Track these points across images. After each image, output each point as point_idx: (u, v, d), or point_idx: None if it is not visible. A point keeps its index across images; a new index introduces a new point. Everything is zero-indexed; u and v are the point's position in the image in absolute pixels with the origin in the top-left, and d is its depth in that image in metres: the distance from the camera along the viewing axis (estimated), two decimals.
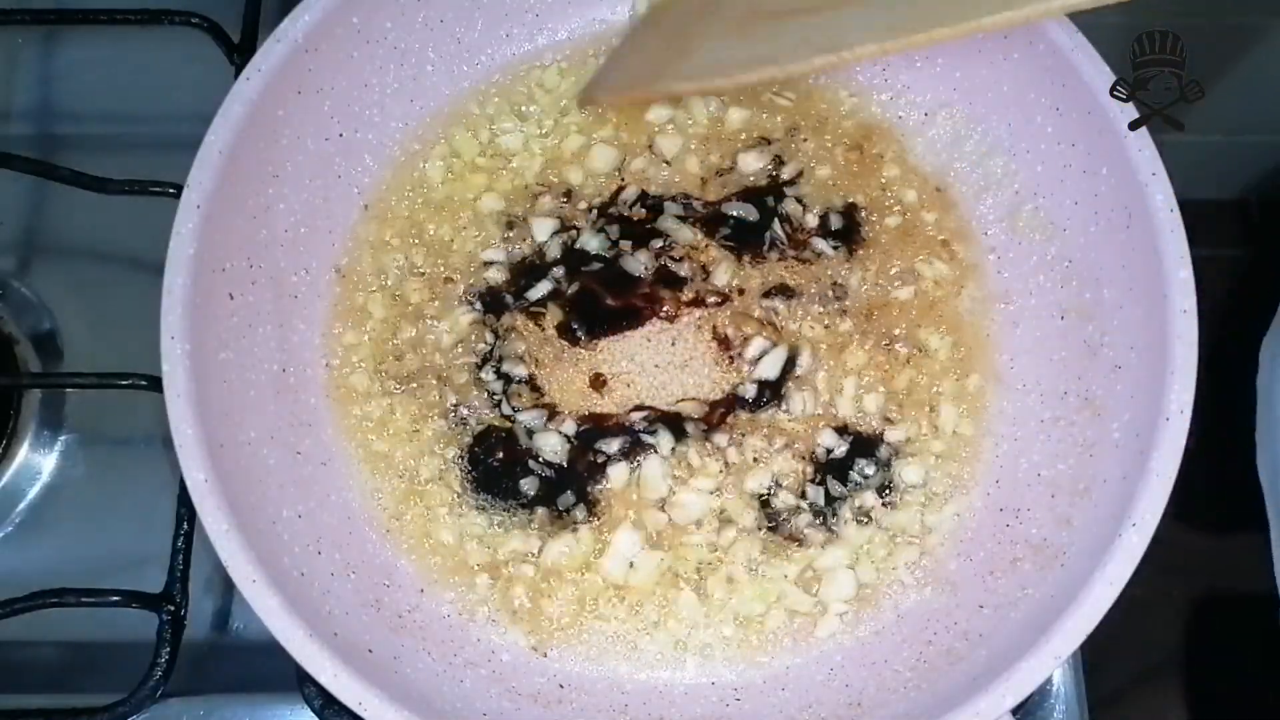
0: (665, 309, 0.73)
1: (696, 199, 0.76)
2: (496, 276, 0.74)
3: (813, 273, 0.74)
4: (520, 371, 0.71)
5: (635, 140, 0.77)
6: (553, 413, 0.71)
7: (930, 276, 0.74)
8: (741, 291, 0.73)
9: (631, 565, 0.68)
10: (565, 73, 0.78)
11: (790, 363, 0.71)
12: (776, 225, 0.74)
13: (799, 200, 0.75)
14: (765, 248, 0.74)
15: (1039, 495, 0.68)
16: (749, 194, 0.75)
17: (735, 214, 0.75)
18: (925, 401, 0.71)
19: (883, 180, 0.76)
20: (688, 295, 0.73)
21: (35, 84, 0.88)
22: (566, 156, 0.76)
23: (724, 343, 0.72)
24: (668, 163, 0.76)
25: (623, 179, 0.76)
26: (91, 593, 0.67)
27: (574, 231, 0.74)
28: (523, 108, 0.77)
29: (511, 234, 0.75)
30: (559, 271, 0.73)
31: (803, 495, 0.69)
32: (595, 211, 0.75)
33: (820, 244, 0.74)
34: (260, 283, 0.69)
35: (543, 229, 0.74)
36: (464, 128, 0.77)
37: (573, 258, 0.74)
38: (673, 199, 0.75)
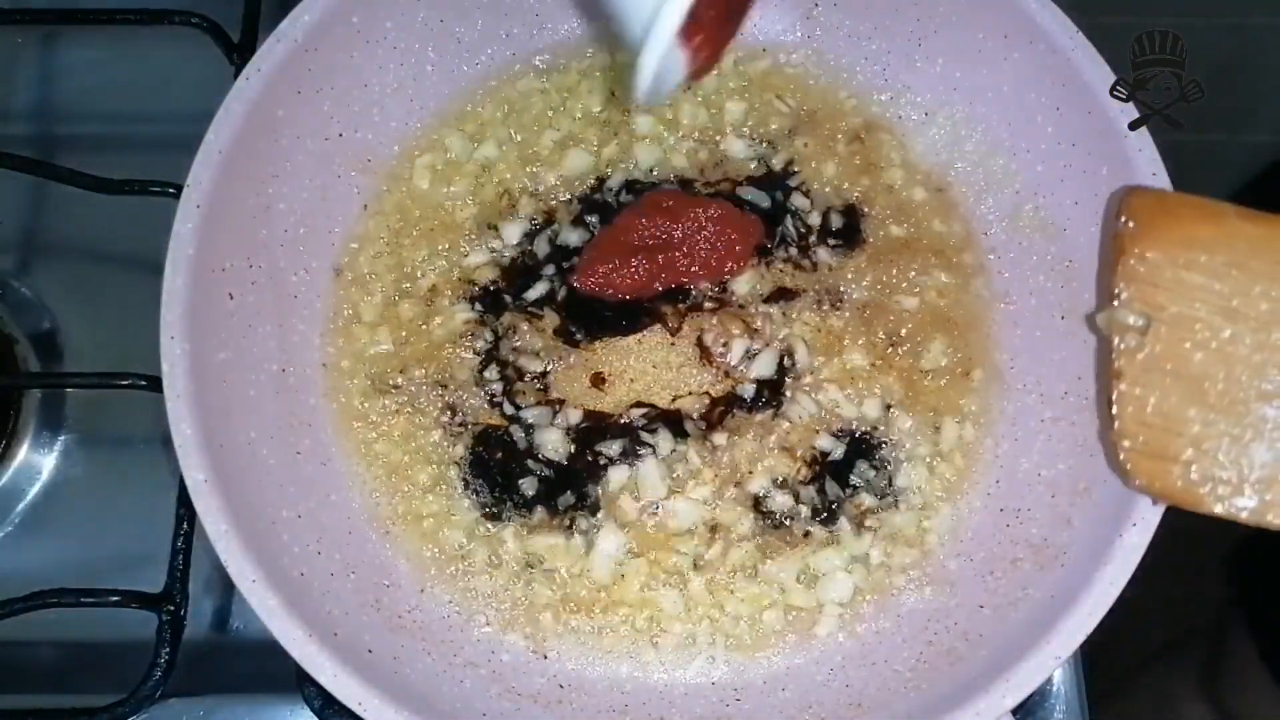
0: (665, 315, 0.72)
1: (696, 180, 0.75)
2: (489, 276, 0.73)
3: (814, 276, 0.74)
4: (535, 367, 0.71)
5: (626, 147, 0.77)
6: (556, 409, 0.71)
7: (931, 277, 0.73)
8: (741, 303, 0.73)
9: (630, 566, 0.68)
10: (565, 72, 0.78)
11: (786, 363, 0.71)
12: (789, 222, 0.74)
13: (805, 194, 0.75)
14: (775, 243, 0.74)
15: (1039, 495, 0.68)
16: (757, 183, 0.75)
17: (748, 198, 0.74)
18: (925, 403, 0.71)
19: (883, 181, 0.76)
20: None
21: (35, 84, 0.88)
22: (562, 158, 0.76)
23: (705, 349, 0.72)
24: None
25: (608, 170, 0.76)
26: (91, 593, 0.67)
27: (556, 227, 0.74)
28: (520, 108, 0.77)
29: (503, 235, 0.75)
30: (550, 270, 0.73)
31: (801, 498, 0.69)
32: (577, 201, 0.75)
33: (822, 252, 0.74)
34: (260, 283, 0.69)
35: (512, 232, 0.74)
36: (463, 128, 0.77)
37: (559, 254, 0.74)
38: (669, 180, 0.75)
